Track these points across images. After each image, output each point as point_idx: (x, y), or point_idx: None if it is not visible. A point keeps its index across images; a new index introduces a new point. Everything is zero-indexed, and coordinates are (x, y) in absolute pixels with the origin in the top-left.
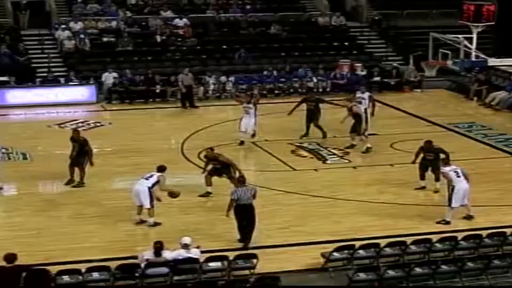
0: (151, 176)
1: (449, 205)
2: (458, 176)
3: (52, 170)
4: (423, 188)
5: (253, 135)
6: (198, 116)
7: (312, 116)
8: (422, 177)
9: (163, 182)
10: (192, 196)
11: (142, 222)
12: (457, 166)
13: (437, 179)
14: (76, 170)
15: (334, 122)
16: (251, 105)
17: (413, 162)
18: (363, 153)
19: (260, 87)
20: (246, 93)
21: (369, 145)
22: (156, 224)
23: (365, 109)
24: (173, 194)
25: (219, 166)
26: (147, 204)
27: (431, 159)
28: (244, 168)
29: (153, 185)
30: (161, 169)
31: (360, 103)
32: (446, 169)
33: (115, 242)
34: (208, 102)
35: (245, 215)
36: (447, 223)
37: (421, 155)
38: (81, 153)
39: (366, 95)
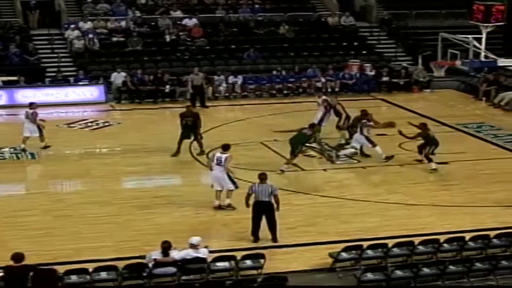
0: (221, 160)
1: None
2: None
3: (61, 170)
4: None
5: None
6: (207, 116)
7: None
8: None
9: (229, 161)
10: (202, 197)
11: (219, 207)
12: None
13: None
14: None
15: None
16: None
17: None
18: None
19: (268, 87)
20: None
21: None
22: (230, 206)
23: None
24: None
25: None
26: (231, 187)
27: None
28: (253, 168)
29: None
30: (226, 148)
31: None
32: None
33: (125, 241)
34: (217, 102)
35: (262, 213)
36: None
37: None
38: (194, 126)
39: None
